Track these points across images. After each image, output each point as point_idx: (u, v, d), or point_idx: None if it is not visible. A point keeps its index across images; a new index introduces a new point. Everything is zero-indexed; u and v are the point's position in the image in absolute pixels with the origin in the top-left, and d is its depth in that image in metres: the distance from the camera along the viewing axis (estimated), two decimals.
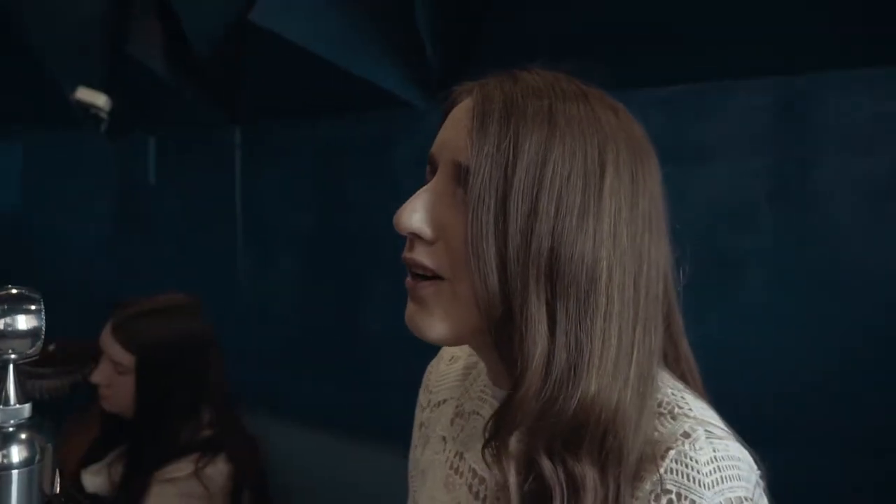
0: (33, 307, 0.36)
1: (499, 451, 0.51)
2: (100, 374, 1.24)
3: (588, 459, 0.50)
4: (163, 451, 1.21)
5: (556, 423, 0.50)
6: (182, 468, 1.20)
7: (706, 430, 0.51)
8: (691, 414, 0.52)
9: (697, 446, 0.49)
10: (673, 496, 0.48)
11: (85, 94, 2.06)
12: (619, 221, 0.51)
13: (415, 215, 0.53)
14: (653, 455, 0.50)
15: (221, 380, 1.30)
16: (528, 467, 0.51)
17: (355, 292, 1.82)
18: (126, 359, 1.21)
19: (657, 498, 0.49)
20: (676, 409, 0.53)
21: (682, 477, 0.49)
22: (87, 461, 1.30)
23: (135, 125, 2.08)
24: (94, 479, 1.27)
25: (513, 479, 0.51)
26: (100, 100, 2.06)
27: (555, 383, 0.50)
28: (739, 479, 0.49)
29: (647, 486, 0.49)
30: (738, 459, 0.50)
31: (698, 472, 0.48)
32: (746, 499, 0.49)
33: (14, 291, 0.36)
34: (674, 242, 0.57)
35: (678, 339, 0.60)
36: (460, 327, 0.54)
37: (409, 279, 0.56)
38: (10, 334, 0.35)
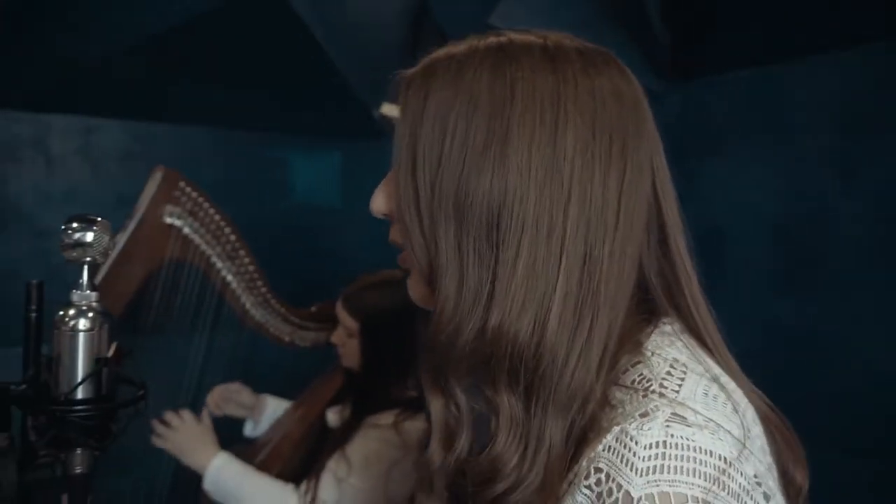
0: (98, 228, 0.55)
1: (424, 387, 0.55)
2: (335, 336, 1.50)
3: (506, 390, 0.50)
4: (375, 401, 1.43)
5: (464, 354, 0.51)
6: (386, 418, 1.39)
7: (674, 414, 0.45)
8: (669, 395, 0.47)
9: (646, 427, 0.45)
10: (602, 476, 0.45)
11: (388, 109, 2.49)
12: (532, 156, 0.49)
13: (376, 199, 0.58)
14: (599, 431, 0.48)
15: None
16: (448, 400, 0.53)
17: None
18: (352, 324, 1.44)
19: (587, 475, 0.46)
20: (653, 387, 0.48)
21: (616, 456, 0.45)
22: (331, 402, 1.61)
23: None
24: (332, 417, 1.56)
25: (436, 411, 0.54)
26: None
27: (460, 315, 0.51)
28: (691, 473, 0.43)
29: (584, 461, 0.47)
30: (703, 453, 0.44)
31: (634, 454, 0.44)
32: (693, 498, 0.42)
33: (88, 216, 0.56)
34: None
35: (687, 301, 0.55)
36: (424, 290, 0.57)
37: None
38: (85, 244, 0.55)
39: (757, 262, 1.58)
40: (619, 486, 0.43)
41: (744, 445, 0.46)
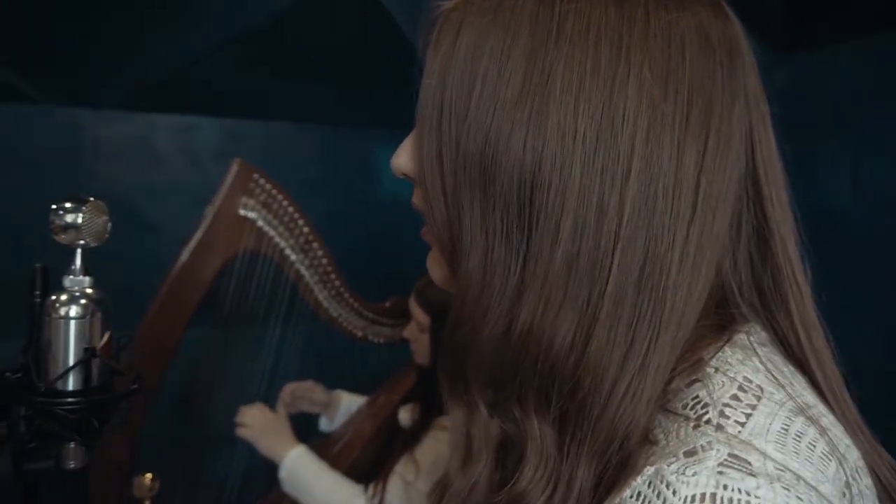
0: (88, 208, 0.52)
1: (442, 392, 0.46)
2: (408, 330, 1.46)
3: (537, 414, 0.40)
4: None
5: (485, 357, 0.41)
6: None
7: (732, 455, 0.34)
8: (730, 428, 0.36)
9: (690, 472, 0.33)
10: None
11: None
12: (578, 113, 0.38)
13: (399, 155, 0.48)
14: (631, 470, 0.37)
15: None
16: (470, 411, 0.44)
17: None
18: (423, 318, 1.40)
19: None
20: (710, 416, 0.37)
21: None
22: (403, 401, 1.56)
23: None
24: (404, 416, 1.52)
25: (456, 422, 0.45)
26: None
27: (482, 307, 0.41)
28: None
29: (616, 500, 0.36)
30: None
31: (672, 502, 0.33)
32: None
33: (80, 196, 0.53)
34: None
35: (791, 300, 0.43)
36: (446, 270, 0.47)
37: None
38: (76, 226, 0.52)
39: (881, 251, 1.37)
40: None
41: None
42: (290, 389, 1.58)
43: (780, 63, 1.53)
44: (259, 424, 1.40)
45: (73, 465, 0.51)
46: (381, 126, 2.52)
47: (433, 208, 0.44)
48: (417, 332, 1.44)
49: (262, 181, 1.42)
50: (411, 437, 1.39)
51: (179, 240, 1.43)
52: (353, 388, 1.70)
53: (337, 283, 1.53)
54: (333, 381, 1.69)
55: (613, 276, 0.38)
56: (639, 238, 0.38)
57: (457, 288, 0.43)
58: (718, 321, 0.42)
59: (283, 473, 1.35)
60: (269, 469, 1.42)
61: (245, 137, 2.40)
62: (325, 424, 1.68)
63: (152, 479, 1.17)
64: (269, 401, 1.49)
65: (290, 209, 1.46)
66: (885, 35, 1.33)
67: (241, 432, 1.41)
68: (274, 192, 1.44)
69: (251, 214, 1.43)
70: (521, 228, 0.39)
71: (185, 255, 1.37)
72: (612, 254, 0.38)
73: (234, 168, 1.42)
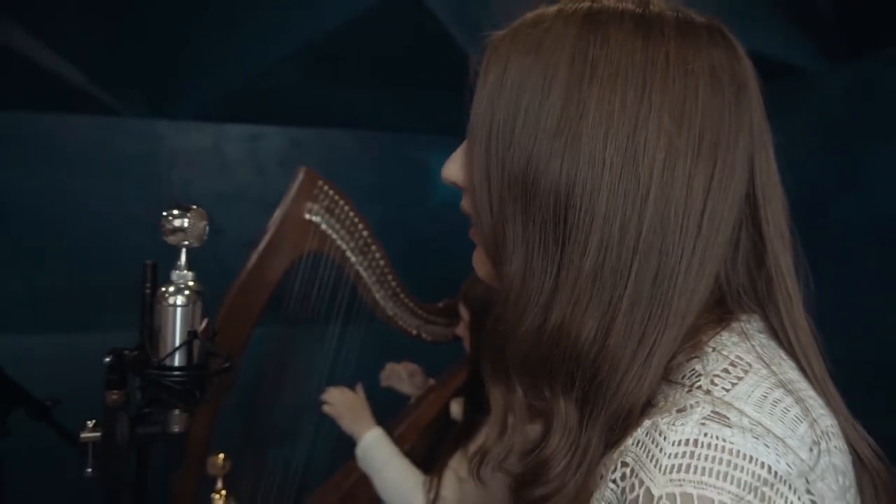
0: (192, 215, 0.62)
1: (485, 374, 0.54)
2: (460, 329, 1.55)
3: (564, 393, 0.48)
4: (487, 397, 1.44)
5: (523, 347, 0.49)
6: None
7: (715, 412, 0.41)
8: (717, 393, 0.43)
9: (678, 423, 0.41)
10: (627, 470, 0.42)
11: None
12: (607, 145, 0.45)
13: (450, 166, 0.56)
14: (636, 423, 0.45)
15: None
16: (507, 390, 0.52)
17: None
18: (468, 316, 1.48)
19: (615, 469, 0.43)
20: (701, 383, 0.44)
21: (643, 451, 0.42)
22: (456, 393, 1.64)
23: None
24: (455, 408, 1.59)
25: (495, 400, 0.53)
26: None
27: (521, 306, 0.48)
28: (723, 477, 0.39)
29: (615, 454, 0.44)
30: (741, 457, 0.39)
31: (661, 449, 0.41)
32: (720, 502, 0.38)
33: (186, 205, 0.62)
34: None
35: (779, 301, 0.50)
36: (490, 267, 0.55)
37: None
38: (182, 229, 0.62)
39: None
40: (641, 483, 0.40)
41: (801, 459, 0.40)
42: (393, 366, 1.78)
43: (836, 70, 1.54)
44: (343, 404, 1.52)
45: (176, 430, 0.61)
46: (434, 133, 2.61)
47: (480, 216, 0.52)
48: (465, 330, 1.52)
49: (325, 187, 1.52)
50: (462, 433, 1.46)
51: (243, 243, 1.54)
52: None
53: (393, 283, 1.62)
54: None
55: (631, 283, 0.45)
56: (653, 252, 0.45)
57: (499, 288, 0.51)
58: (717, 316, 0.49)
59: (359, 451, 1.46)
60: (327, 459, 1.53)
61: (307, 145, 2.54)
62: None
63: (224, 459, 1.28)
64: None
65: (351, 213, 1.55)
66: None
67: (327, 409, 1.53)
68: (336, 197, 1.54)
69: (315, 218, 1.53)
70: (556, 241, 0.47)
71: (255, 256, 1.48)
72: (631, 265, 0.45)
73: (301, 175, 1.53)
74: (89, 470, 0.63)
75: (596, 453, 0.46)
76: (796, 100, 1.57)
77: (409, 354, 1.83)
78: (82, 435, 0.62)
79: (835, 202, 1.51)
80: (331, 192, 1.54)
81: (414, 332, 1.68)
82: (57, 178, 2.24)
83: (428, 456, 1.50)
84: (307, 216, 1.53)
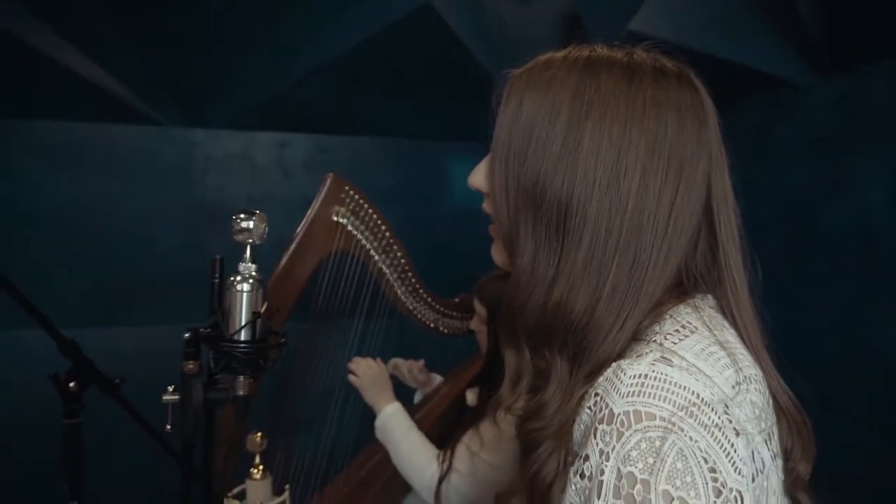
0: (256, 219, 0.76)
1: (501, 341, 0.68)
2: (473, 323, 1.68)
3: (559, 353, 0.62)
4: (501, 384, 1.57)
5: (531, 320, 0.63)
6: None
7: (662, 357, 0.54)
8: (667, 345, 0.57)
9: (635, 364, 0.54)
10: (598, 398, 0.55)
11: None
12: (597, 167, 0.59)
13: (476, 175, 0.69)
14: (606, 368, 0.57)
15: None
16: (518, 353, 0.66)
17: None
18: (483, 311, 1.60)
19: (589, 398, 0.57)
20: (656, 339, 0.58)
21: (609, 384, 0.55)
22: (471, 384, 1.77)
23: None
24: (471, 397, 1.70)
25: (509, 361, 0.67)
26: None
27: (530, 288, 0.63)
28: (663, 400, 0.51)
29: (591, 390, 0.57)
30: (674, 384, 0.52)
31: (622, 381, 0.53)
32: (661, 418, 0.50)
33: (250, 210, 0.76)
34: None
35: (728, 287, 0.64)
36: (505, 257, 0.69)
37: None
38: (248, 230, 0.76)
39: None
40: (607, 405, 0.53)
41: (720, 387, 0.53)
42: (398, 361, 1.88)
43: (820, 84, 1.65)
44: (368, 376, 1.63)
45: (241, 393, 0.75)
46: (450, 139, 2.73)
47: (499, 217, 0.66)
48: (480, 324, 1.65)
49: (351, 192, 1.65)
50: (476, 415, 1.58)
51: (271, 242, 1.66)
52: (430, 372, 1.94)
53: (413, 280, 1.74)
54: None
55: (613, 272, 0.59)
56: (630, 249, 0.59)
57: (513, 274, 0.65)
58: (677, 295, 0.63)
59: (378, 423, 1.56)
60: (350, 445, 1.65)
61: (331, 151, 2.68)
62: (417, 399, 1.94)
63: (262, 437, 1.41)
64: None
65: (374, 215, 1.67)
66: None
67: (352, 380, 1.65)
68: (361, 201, 1.66)
69: (342, 220, 1.65)
70: (557, 239, 0.61)
71: (287, 255, 1.60)
72: (614, 258, 0.59)
73: (328, 181, 1.66)
74: (168, 427, 0.77)
75: (577, 395, 0.60)
76: (788, 111, 1.68)
77: (425, 348, 1.95)
78: (164, 398, 0.77)
79: (822, 206, 1.62)
80: (356, 196, 1.66)
81: (432, 325, 1.81)
82: (102, 182, 2.40)
83: (442, 440, 1.60)
84: (335, 218, 1.65)
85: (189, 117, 2.48)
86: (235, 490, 1.25)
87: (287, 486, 1.36)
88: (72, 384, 0.84)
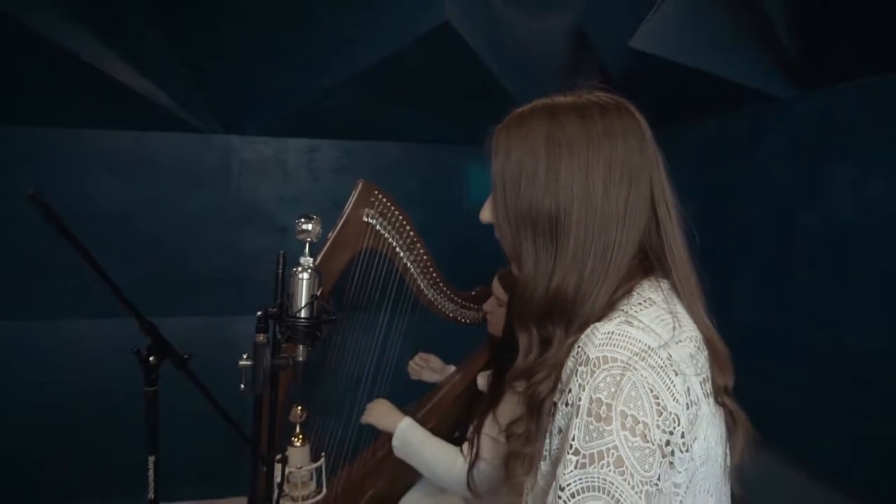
0: (313, 221, 0.96)
1: (514, 324, 0.87)
2: (487, 304, 1.82)
3: (558, 323, 0.81)
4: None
5: (538, 305, 0.82)
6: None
7: (625, 320, 0.75)
8: (631, 313, 0.77)
9: (606, 324, 0.75)
10: (579, 349, 0.75)
11: None
12: (574, 187, 0.79)
13: (484, 211, 0.89)
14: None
15: None
16: (528, 332, 0.85)
17: (723, 279, 1.98)
18: (503, 295, 1.75)
19: (573, 350, 0.76)
20: (625, 309, 0.78)
21: (587, 338, 0.75)
22: (482, 369, 1.94)
23: None
24: (481, 381, 1.84)
25: (522, 339, 0.86)
26: None
27: (534, 283, 0.82)
28: (622, 348, 0.71)
29: (575, 346, 0.77)
30: (631, 338, 0.72)
31: (596, 336, 0.73)
32: (620, 360, 0.70)
33: (309, 215, 0.97)
34: None
35: (670, 266, 0.82)
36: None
37: None
38: (307, 230, 0.96)
39: (881, 255, 1.61)
40: (584, 353, 0.73)
41: (665, 343, 0.73)
42: (419, 356, 2.08)
43: (799, 98, 1.81)
44: (375, 411, 1.77)
45: (301, 359, 0.95)
46: (467, 144, 2.89)
47: (505, 239, 0.86)
48: (496, 307, 1.80)
49: (379, 195, 1.81)
50: (490, 399, 1.68)
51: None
52: (445, 361, 2.12)
53: (434, 274, 1.90)
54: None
55: (590, 259, 0.80)
56: (601, 241, 0.79)
57: (520, 276, 0.85)
58: (643, 270, 0.82)
59: (396, 441, 1.67)
60: (373, 428, 1.83)
61: (357, 156, 2.86)
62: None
63: (302, 409, 1.59)
64: (382, 367, 1.91)
65: (399, 216, 1.82)
66: (884, 76, 1.59)
67: (364, 419, 1.79)
68: (388, 203, 1.82)
69: (372, 221, 1.82)
70: (552, 243, 0.81)
71: (323, 251, 1.78)
72: (592, 250, 0.80)
73: (360, 186, 1.82)
74: (242, 386, 0.98)
75: (566, 347, 0.79)
76: (769, 123, 1.84)
77: (442, 340, 2.10)
78: (240, 363, 0.97)
79: (801, 210, 1.78)
80: (384, 199, 1.81)
81: (451, 314, 1.97)
82: (146, 185, 2.62)
83: (456, 423, 1.74)
84: (365, 219, 1.80)
85: (227, 126, 2.67)
86: (278, 456, 1.43)
87: (322, 454, 1.55)
88: (151, 358, 0.99)
